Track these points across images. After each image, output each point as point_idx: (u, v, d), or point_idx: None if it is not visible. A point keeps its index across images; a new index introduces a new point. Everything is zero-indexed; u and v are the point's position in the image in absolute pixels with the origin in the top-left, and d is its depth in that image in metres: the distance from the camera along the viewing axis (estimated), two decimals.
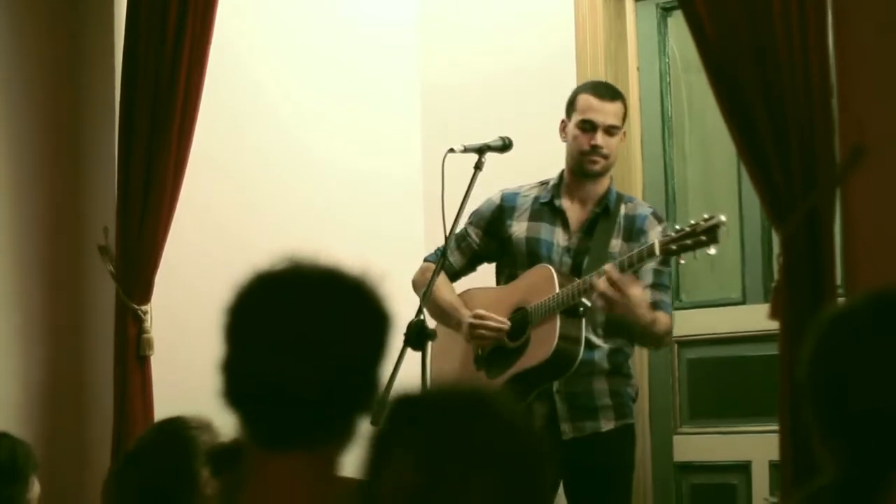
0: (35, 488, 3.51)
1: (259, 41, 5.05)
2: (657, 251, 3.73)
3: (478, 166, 3.92)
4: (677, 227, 3.79)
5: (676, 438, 4.85)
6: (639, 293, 3.79)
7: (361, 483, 1.65)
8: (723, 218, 3.70)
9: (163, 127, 4.45)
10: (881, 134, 3.31)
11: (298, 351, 1.85)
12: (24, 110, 4.74)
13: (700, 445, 4.79)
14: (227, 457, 1.99)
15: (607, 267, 3.77)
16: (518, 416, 1.67)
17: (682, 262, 3.83)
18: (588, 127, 4.05)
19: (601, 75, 4.88)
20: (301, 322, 1.87)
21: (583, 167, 4.06)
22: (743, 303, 4.75)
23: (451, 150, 3.91)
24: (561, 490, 4.02)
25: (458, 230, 4.02)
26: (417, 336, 3.63)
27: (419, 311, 3.76)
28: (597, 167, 4.05)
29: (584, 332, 3.90)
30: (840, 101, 3.36)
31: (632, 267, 3.79)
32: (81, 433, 4.72)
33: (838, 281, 3.37)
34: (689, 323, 4.83)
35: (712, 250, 3.71)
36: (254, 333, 1.89)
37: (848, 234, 3.38)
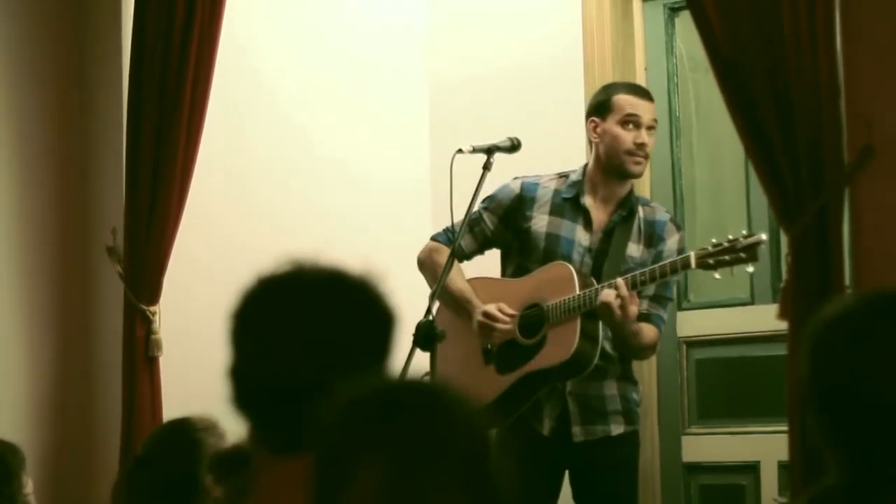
0: (28, 485, 3.53)
1: (266, 42, 5.05)
2: (693, 264, 3.68)
3: (486, 167, 3.89)
4: (713, 240, 3.70)
5: (685, 439, 4.84)
6: (636, 311, 3.76)
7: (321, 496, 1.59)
8: (763, 236, 3.67)
9: (170, 128, 4.46)
10: (889, 134, 3.31)
11: (304, 353, 1.85)
12: (31, 111, 4.75)
13: (709, 446, 4.78)
14: (229, 463, 1.99)
15: (619, 282, 3.73)
16: (475, 414, 1.63)
17: (717, 276, 3.71)
18: (633, 124, 3.97)
19: (609, 75, 4.87)
20: (306, 324, 1.87)
21: (624, 167, 3.96)
22: (751, 303, 4.73)
23: (460, 151, 3.87)
24: (567, 491, 4.02)
25: (472, 213, 3.91)
26: (426, 337, 3.63)
27: (428, 312, 3.75)
28: (640, 167, 3.97)
29: (602, 336, 3.85)
30: (848, 101, 3.36)
31: (664, 277, 3.75)
32: (90, 434, 4.73)
33: (847, 281, 3.37)
34: (697, 323, 4.82)
35: (750, 268, 3.67)
36: (259, 337, 1.89)
37: (856, 233, 3.37)
